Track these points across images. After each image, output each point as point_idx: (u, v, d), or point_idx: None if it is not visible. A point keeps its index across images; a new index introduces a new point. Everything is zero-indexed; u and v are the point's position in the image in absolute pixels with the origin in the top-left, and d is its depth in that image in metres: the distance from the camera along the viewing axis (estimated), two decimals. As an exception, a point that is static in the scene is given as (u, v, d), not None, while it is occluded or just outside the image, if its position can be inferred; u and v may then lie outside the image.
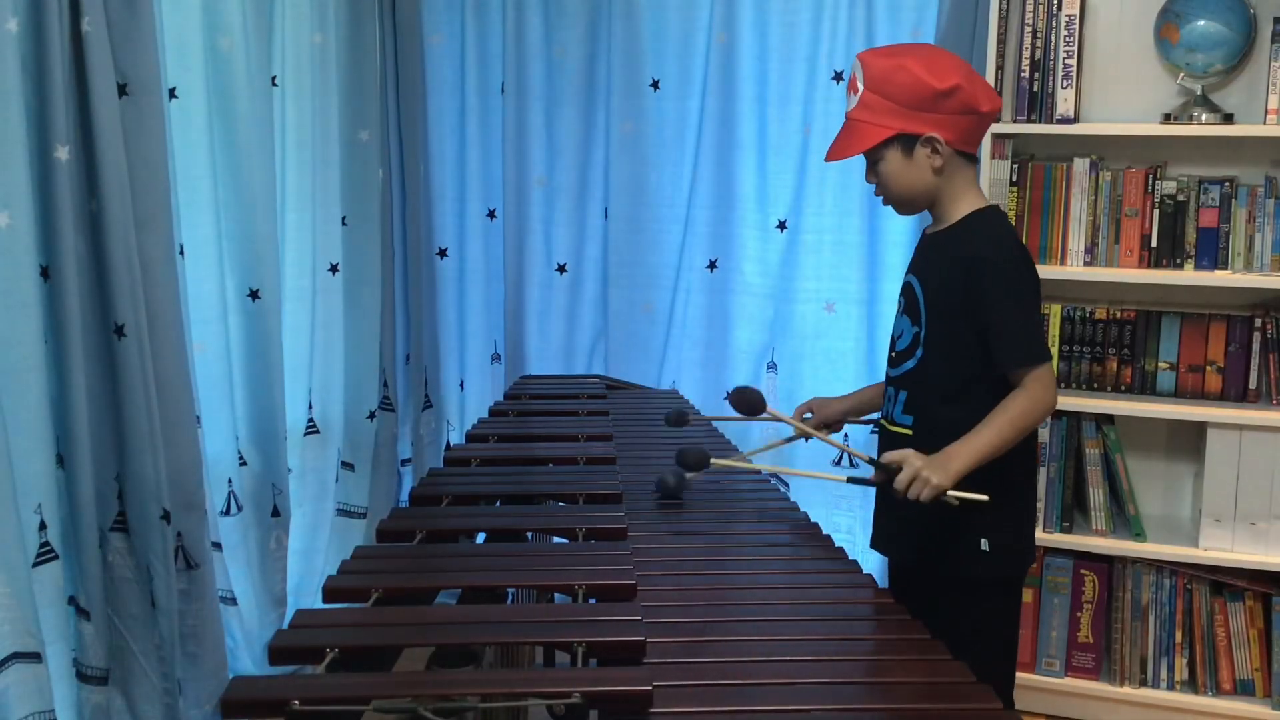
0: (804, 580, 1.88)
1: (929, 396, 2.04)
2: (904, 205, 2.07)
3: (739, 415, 2.32)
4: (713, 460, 2.18)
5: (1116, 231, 3.00)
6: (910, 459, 1.88)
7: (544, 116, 3.64)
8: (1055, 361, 3.04)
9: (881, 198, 2.08)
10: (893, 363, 2.12)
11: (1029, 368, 1.93)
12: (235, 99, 2.82)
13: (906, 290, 2.10)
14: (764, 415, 2.29)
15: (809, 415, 2.38)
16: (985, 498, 1.89)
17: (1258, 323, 2.91)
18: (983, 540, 2.01)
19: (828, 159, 2.05)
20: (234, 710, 1.33)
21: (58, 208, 2.26)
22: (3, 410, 2.12)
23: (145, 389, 2.43)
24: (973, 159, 2.04)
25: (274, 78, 3.05)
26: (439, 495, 2.13)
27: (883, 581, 2.21)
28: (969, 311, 1.97)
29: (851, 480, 2.10)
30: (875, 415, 2.44)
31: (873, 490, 2.21)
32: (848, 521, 3.45)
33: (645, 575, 1.76)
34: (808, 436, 2.34)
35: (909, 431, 2.06)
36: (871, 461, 2.00)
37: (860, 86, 1.98)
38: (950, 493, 1.87)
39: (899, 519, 2.11)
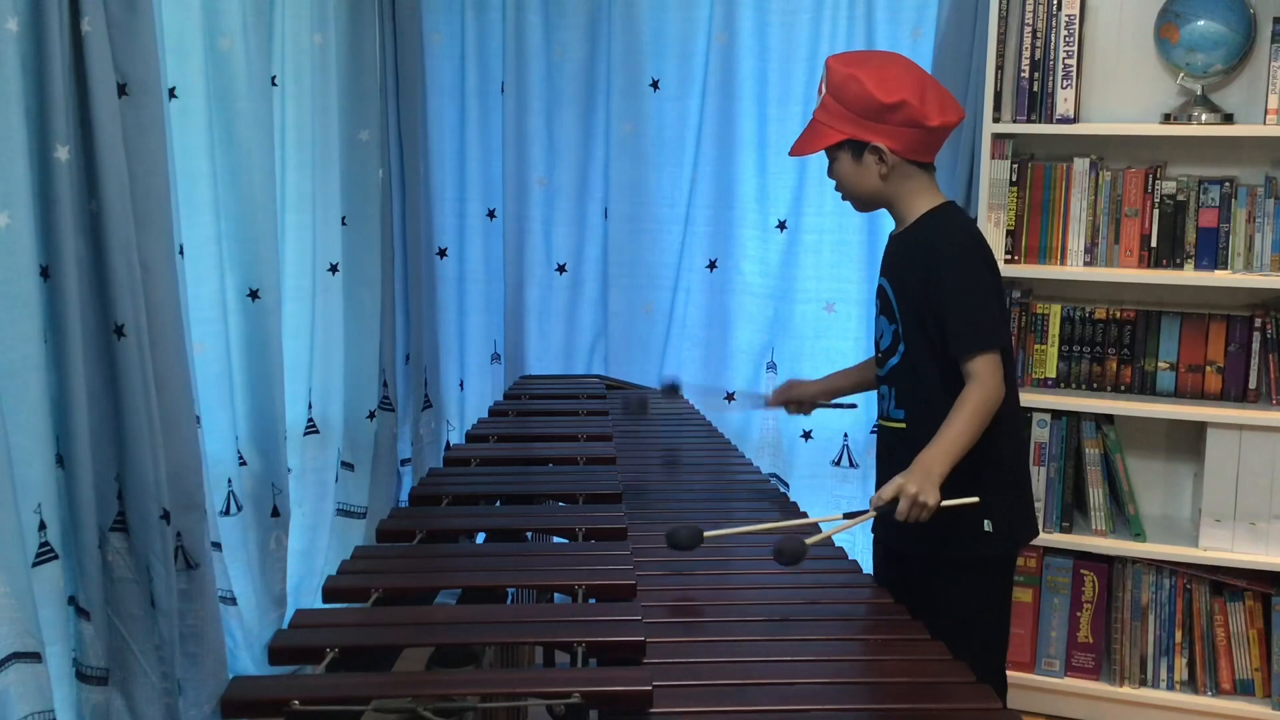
0: (804, 580, 1.88)
1: (917, 390, 2.09)
2: (858, 203, 2.17)
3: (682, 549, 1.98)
4: (706, 534, 1.94)
5: (1116, 231, 2.99)
6: (905, 489, 1.89)
7: (544, 116, 3.64)
8: (1054, 361, 3.04)
9: (841, 194, 2.16)
10: (879, 362, 2.18)
11: (976, 355, 1.97)
12: (235, 99, 2.82)
13: (880, 292, 2.17)
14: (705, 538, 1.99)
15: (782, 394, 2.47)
16: (976, 500, 1.93)
17: (1258, 323, 2.91)
18: (985, 521, 2.06)
19: (790, 153, 2.16)
20: (234, 710, 1.33)
21: (58, 208, 2.26)
22: (3, 410, 2.12)
23: (145, 389, 2.43)
24: (928, 166, 2.11)
25: (274, 78, 3.04)
26: (439, 495, 2.13)
27: (870, 566, 2.24)
28: (932, 304, 2.03)
29: (848, 516, 2.00)
30: (846, 400, 2.47)
31: (870, 485, 2.23)
32: (848, 521, 3.45)
33: (645, 575, 1.76)
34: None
35: (903, 425, 2.11)
36: (871, 512, 1.97)
37: (824, 90, 2.08)
38: (944, 503, 1.89)
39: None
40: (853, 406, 2.57)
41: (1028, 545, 2.22)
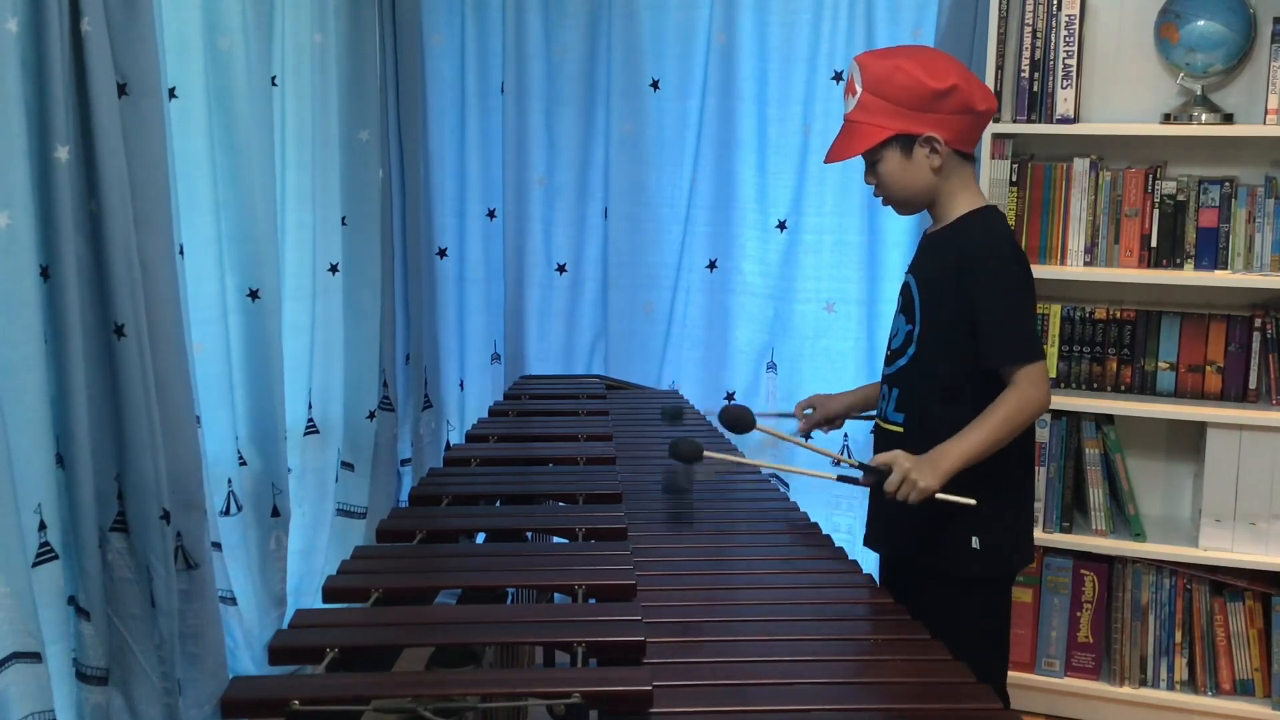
0: (804, 580, 1.88)
1: (920, 394, 2.05)
2: (903, 205, 2.09)
3: (729, 430, 2.31)
4: (706, 453, 2.15)
5: (1116, 231, 3.00)
6: (899, 461, 1.89)
7: (544, 116, 3.64)
8: (1054, 361, 3.04)
9: (881, 198, 2.09)
10: (888, 361, 2.14)
11: (1018, 365, 1.93)
12: (235, 99, 2.82)
13: (904, 289, 2.12)
14: (756, 429, 2.28)
15: (810, 410, 2.41)
16: (973, 501, 1.89)
17: (1258, 323, 2.91)
18: (973, 538, 2.02)
19: (827, 160, 2.06)
20: (234, 710, 1.33)
21: (58, 208, 2.26)
22: (3, 410, 2.12)
23: (145, 389, 2.43)
24: (970, 158, 2.06)
25: (274, 78, 3.04)
26: (439, 495, 2.13)
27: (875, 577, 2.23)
28: (962, 309, 1.98)
29: (841, 479, 2.09)
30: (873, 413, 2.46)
31: (866, 489, 2.21)
32: (848, 521, 3.45)
33: (645, 575, 1.76)
34: (806, 436, 2.36)
35: (900, 429, 2.07)
36: (861, 466, 2.00)
37: (859, 88, 2.00)
38: (938, 495, 1.88)
39: (890, 515, 2.12)
40: (873, 419, 2.57)
41: (1020, 569, 2.17)
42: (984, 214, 2.05)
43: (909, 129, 1.97)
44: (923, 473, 1.87)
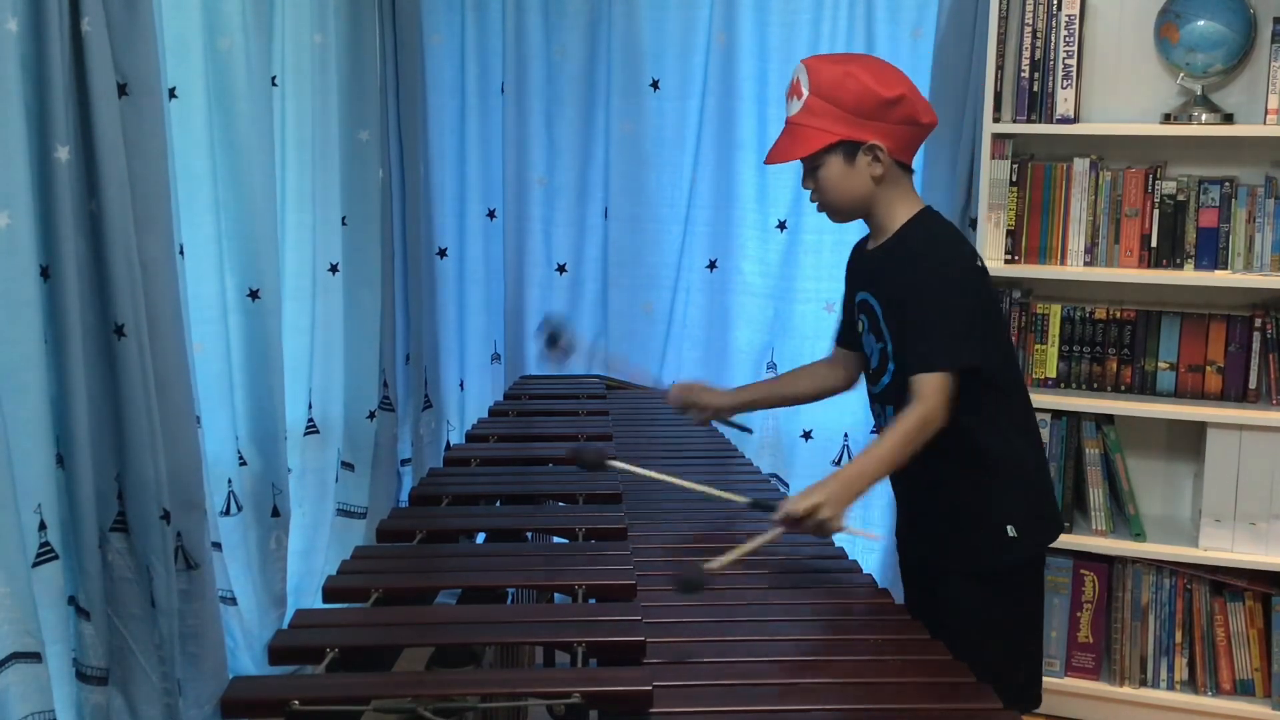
0: (804, 580, 1.88)
1: None
2: (839, 213, 2.07)
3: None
4: (610, 462, 2.09)
5: (1116, 231, 3.00)
6: (820, 509, 1.81)
7: (544, 116, 3.64)
8: (1054, 361, 3.05)
9: (817, 204, 2.07)
10: (871, 381, 2.11)
11: (925, 373, 1.89)
12: (235, 99, 2.82)
13: (865, 308, 2.09)
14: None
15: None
16: (878, 536, 1.89)
17: (1258, 323, 2.91)
18: (1008, 527, 2.01)
19: (768, 162, 2.04)
20: (234, 710, 1.33)
21: (58, 208, 2.26)
22: (3, 410, 2.12)
23: (145, 389, 2.43)
24: (909, 169, 2.04)
25: (274, 78, 3.04)
26: (439, 495, 2.13)
27: (895, 580, 2.23)
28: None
29: (756, 505, 1.99)
30: (746, 422, 2.43)
31: (870, 492, 2.20)
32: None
33: (645, 575, 1.76)
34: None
35: None
36: (769, 504, 1.93)
37: (805, 91, 1.98)
38: (846, 529, 1.86)
39: (914, 519, 2.14)
40: (749, 431, 2.51)
41: (1052, 545, 2.17)
42: (924, 217, 2.03)
43: (854, 135, 1.95)
44: (835, 517, 1.82)
